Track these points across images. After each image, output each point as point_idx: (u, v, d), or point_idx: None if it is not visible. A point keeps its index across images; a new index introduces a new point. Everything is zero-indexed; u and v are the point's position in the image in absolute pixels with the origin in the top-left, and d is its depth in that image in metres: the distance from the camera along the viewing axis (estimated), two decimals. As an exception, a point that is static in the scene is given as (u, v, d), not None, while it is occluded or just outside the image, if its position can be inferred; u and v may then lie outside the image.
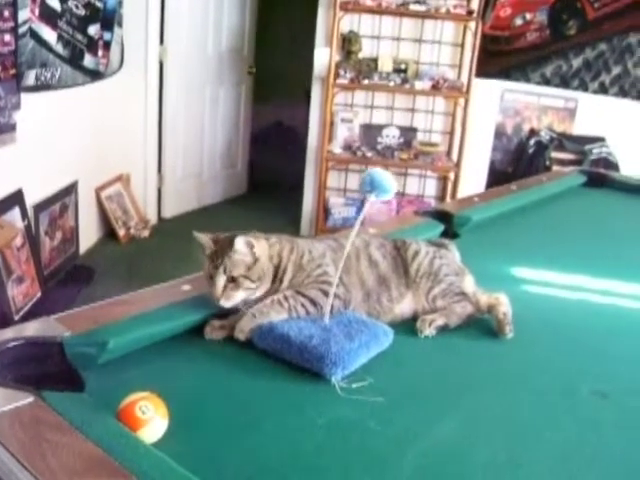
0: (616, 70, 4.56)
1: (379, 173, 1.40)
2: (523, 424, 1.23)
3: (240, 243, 1.42)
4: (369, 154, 4.72)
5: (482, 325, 1.56)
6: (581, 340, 1.57)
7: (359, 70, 4.64)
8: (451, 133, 4.92)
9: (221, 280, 1.40)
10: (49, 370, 1.25)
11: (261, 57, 6.10)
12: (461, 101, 4.74)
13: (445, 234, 2.11)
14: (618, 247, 2.22)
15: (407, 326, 1.51)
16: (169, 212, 5.28)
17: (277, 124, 7.62)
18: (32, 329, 1.33)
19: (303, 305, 1.42)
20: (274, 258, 1.47)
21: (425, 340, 1.48)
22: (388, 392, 1.25)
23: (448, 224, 2.16)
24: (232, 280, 1.40)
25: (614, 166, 4.40)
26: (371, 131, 4.87)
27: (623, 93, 4.57)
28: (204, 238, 1.47)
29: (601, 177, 2.96)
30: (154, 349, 1.33)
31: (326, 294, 1.43)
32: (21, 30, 3.34)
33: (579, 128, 4.72)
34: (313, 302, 1.43)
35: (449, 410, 1.25)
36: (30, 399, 1.08)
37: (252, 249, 1.43)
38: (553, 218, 2.49)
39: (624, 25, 4.49)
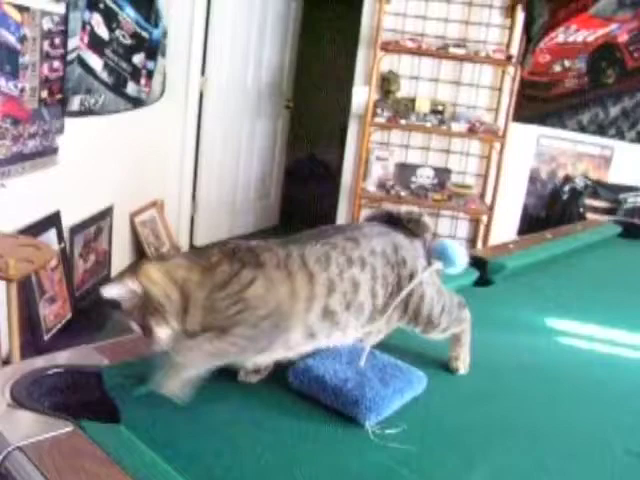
0: (654, 120, 4.56)
1: (453, 246, 1.44)
2: (556, 481, 1.22)
3: (108, 293, 1.21)
4: (403, 193, 4.73)
5: (516, 375, 1.55)
6: (616, 396, 1.55)
7: (397, 110, 4.67)
8: (485, 176, 4.92)
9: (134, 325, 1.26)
10: (86, 399, 1.27)
11: (299, 92, 6.17)
12: (497, 145, 4.75)
13: (479, 280, 2.11)
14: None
15: (438, 369, 1.51)
16: (201, 240, 5.33)
17: (311, 158, 7.68)
18: (70, 357, 1.35)
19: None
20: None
21: (457, 386, 1.47)
22: (420, 439, 1.25)
23: (482, 270, 2.16)
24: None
25: (649, 216, 4.37)
26: (406, 170, 4.89)
27: (660, 143, 4.56)
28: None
29: (638, 228, 2.94)
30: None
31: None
32: (70, 57, 3.43)
33: (614, 176, 4.70)
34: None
35: (480, 460, 1.24)
36: (69, 428, 1.09)
37: (129, 290, 1.21)
38: (588, 268, 2.48)
39: (664, 76, 4.49)
